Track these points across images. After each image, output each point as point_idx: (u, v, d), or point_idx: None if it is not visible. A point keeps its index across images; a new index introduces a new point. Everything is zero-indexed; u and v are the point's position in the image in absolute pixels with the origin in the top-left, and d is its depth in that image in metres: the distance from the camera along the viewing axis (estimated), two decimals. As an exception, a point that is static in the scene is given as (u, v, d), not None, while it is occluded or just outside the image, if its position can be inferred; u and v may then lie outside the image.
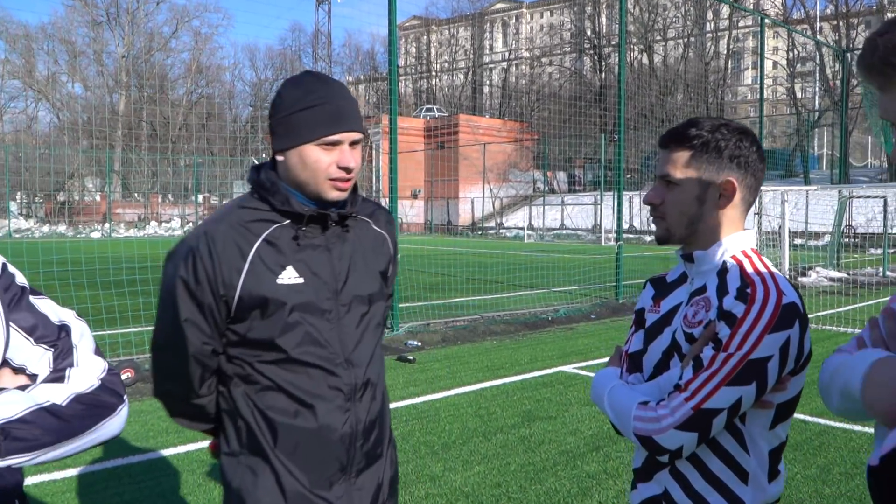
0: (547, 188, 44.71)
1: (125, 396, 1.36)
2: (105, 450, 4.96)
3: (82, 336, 1.37)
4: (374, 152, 42.53)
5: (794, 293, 1.58)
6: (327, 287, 1.77)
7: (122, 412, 1.34)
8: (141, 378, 6.93)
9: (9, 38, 51.77)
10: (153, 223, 38.17)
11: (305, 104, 1.70)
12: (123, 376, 6.77)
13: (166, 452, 5.04)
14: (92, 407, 1.28)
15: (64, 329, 1.35)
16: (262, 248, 1.73)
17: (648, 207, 1.75)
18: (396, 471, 2.02)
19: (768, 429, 1.60)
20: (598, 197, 33.52)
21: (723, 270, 1.66)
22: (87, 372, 1.31)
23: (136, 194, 42.55)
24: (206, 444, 5.09)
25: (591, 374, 7.25)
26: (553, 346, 8.53)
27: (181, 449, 5.10)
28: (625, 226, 12.30)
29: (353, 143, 1.74)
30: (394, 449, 2.00)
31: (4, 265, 1.34)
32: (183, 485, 4.54)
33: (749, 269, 1.63)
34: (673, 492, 1.65)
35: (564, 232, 37.50)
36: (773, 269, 1.65)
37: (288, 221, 1.76)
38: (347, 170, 1.73)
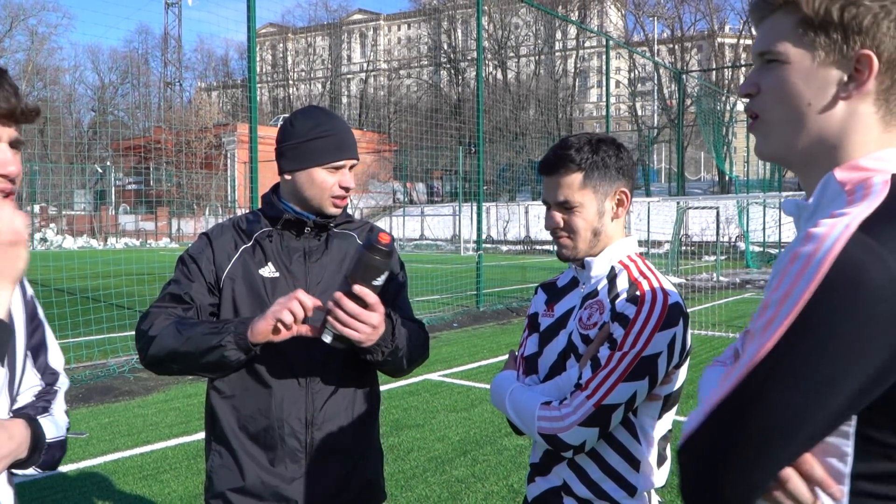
0: (406, 199, 45.06)
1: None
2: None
3: (62, 387, 1.61)
4: (228, 161, 41.22)
5: (676, 294, 1.73)
6: (298, 284, 1.98)
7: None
8: None
9: None
10: (-19, 236, 34.99)
11: (317, 134, 2.01)
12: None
13: (64, 469, 4.69)
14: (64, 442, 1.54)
15: (55, 375, 1.59)
16: (251, 247, 2.04)
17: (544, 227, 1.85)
18: (373, 481, 2.13)
19: (656, 419, 1.74)
20: (457, 208, 34.18)
21: (612, 275, 1.78)
22: (58, 420, 1.53)
23: (-40, 204, 38.88)
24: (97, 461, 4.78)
25: (456, 382, 7.42)
26: (418, 355, 8.59)
27: (81, 465, 4.76)
28: (483, 236, 12.63)
29: (351, 168, 2.06)
30: (375, 456, 2.15)
31: (24, 289, 1.54)
32: (82, 501, 4.24)
33: (636, 273, 1.77)
34: (571, 483, 1.76)
35: (424, 242, 37.93)
36: (657, 273, 1.79)
37: (273, 228, 2.05)
38: (347, 189, 2.04)
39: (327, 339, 1.77)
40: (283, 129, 2.06)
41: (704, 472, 0.89)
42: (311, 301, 1.76)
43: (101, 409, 6.43)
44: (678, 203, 20.14)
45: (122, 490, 4.54)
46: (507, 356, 1.98)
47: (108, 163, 41.41)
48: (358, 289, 1.71)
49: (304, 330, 1.79)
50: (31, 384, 1.50)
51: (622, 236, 1.84)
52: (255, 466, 1.96)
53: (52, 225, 36.34)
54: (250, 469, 1.96)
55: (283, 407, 1.96)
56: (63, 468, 4.90)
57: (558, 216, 1.80)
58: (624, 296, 1.71)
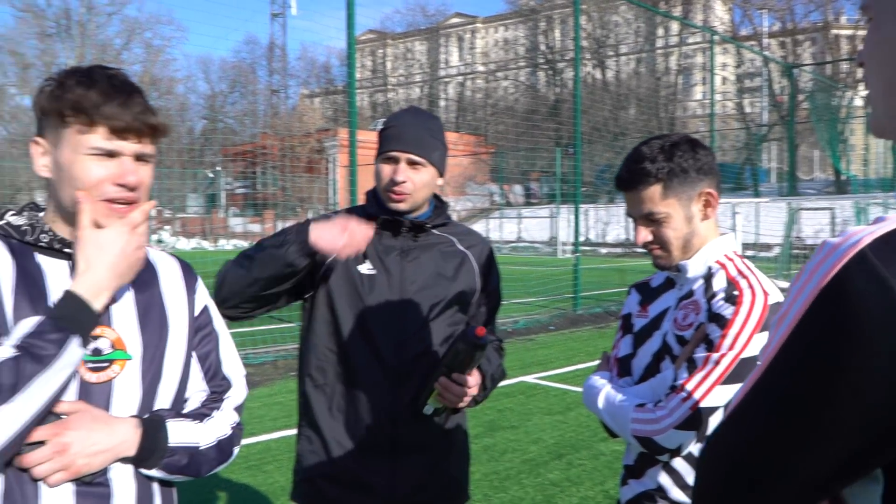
0: (503, 201, 45.01)
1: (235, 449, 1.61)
2: None
3: (232, 396, 1.62)
4: (329, 165, 42.36)
5: (777, 292, 1.65)
6: (394, 281, 2.03)
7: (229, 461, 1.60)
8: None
9: (-48, 49, 50.39)
10: (104, 237, 37.31)
11: (384, 128, 2.07)
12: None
13: None
14: (220, 450, 1.55)
15: (226, 384, 1.61)
16: None
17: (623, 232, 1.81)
18: (457, 479, 2.17)
19: None
20: (555, 210, 33.85)
21: (708, 274, 1.73)
22: (213, 429, 1.54)
23: (86, 208, 41.53)
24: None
25: (552, 385, 7.35)
26: (514, 357, 8.58)
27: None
28: (581, 238, 12.45)
29: (411, 164, 2.02)
30: (460, 455, 2.18)
31: (206, 307, 1.61)
32: (191, 488, 4.48)
33: (733, 272, 1.70)
34: (667, 487, 1.72)
35: (521, 244, 37.77)
36: (756, 271, 1.72)
37: (376, 225, 2.06)
38: (394, 182, 2.01)
39: (429, 412, 1.96)
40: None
41: (697, 494, 0.84)
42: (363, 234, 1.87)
43: (209, 403, 6.73)
44: (789, 204, 19.25)
45: (228, 479, 4.74)
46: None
47: (218, 168, 43.32)
48: (458, 377, 1.89)
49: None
50: (197, 389, 1.56)
51: (716, 235, 1.78)
52: (343, 455, 2.02)
53: (167, 227, 38.39)
54: (337, 457, 2.02)
55: (371, 400, 2.00)
56: (174, 457, 5.16)
57: (646, 230, 1.75)
58: (721, 295, 1.65)
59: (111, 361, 1.38)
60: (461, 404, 1.94)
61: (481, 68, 75.25)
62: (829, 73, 42.56)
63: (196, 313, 1.57)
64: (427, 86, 73.18)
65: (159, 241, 35.63)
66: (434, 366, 1.93)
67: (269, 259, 1.88)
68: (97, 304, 1.33)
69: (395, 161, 2.02)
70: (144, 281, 1.49)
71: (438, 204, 2.19)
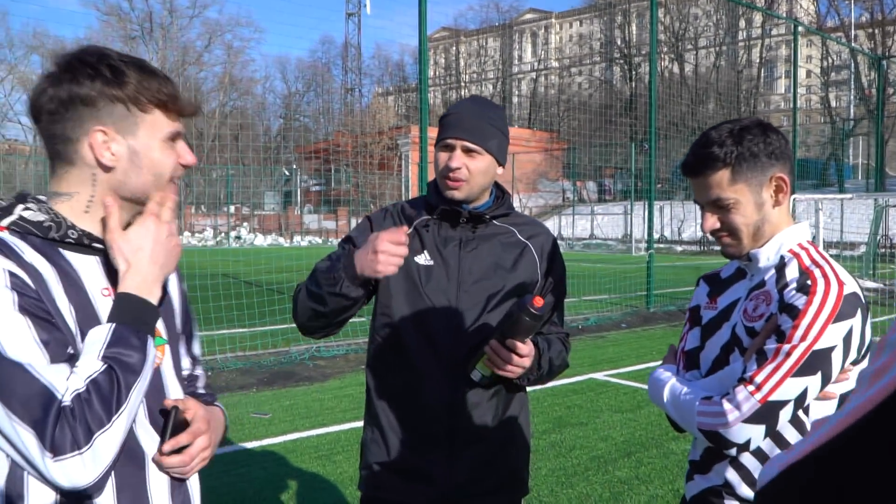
0: (576, 198, 44.55)
1: None
2: None
3: (201, 374, 1.69)
4: (402, 162, 42.75)
5: (853, 283, 1.58)
6: (452, 272, 2.04)
7: None
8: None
9: (44, 53, 52.97)
10: (186, 233, 38.74)
11: (444, 116, 2.06)
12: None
13: (248, 445, 5.34)
14: None
15: (198, 363, 1.69)
16: (409, 234, 2.03)
17: (701, 228, 1.75)
18: (516, 472, 2.16)
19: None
20: (629, 206, 33.30)
21: (781, 264, 1.66)
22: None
23: (169, 205, 43.06)
24: (278, 440, 5.21)
25: (622, 382, 7.26)
26: (584, 354, 8.51)
27: (264, 442, 5.38)
28: (655, 235, 12.22)
29: (467, 151, 2.00)
30: (519, 448, 2.16)
31: (181, 280, 1.62)
32: (263, 475, 4.69)
33: (807, 262, 1.64)
34: (734, 483, 1.68)
35: (594, 241, 37.29)
36: (831, 260, 1.64)
37: (430, 217, 2.09)
38: (449, 169, 2.00)
39: (476, 377, 1.94)
40: None
41: None
42: (402, 237, 1.83)
43: (283, 393, 6.91)
44: (876, 200, 18.41)
45: (298, 467, 4.86)
46: None
47: (294, 166, 44.27)
48: (511, 343, 1.85)
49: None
50: (184, 367, 1.58)
51: (789, 223, 1.71)
52: (400, 446, 2.05)
53: (245, 224, 39.48)
54: (395, 448, 2.05)
55: (427, 391, 2.02)
56: (247, 444, 5.33)
57: (713, 217, 1.69)
58: (794, 285, 1.57)
59: (155, 349, 1.39)
60: (509, 373, 1.89)
61: (555, 64, 74.60)
62: (922, 63, 40.41)
63: (183, 292, 1.61)
64: (500, 82, 72.97)
65: (238, 238, 36.68)
66: (487, 335, 1.92)
67: (329, 298, 1.90)
68: (153, 300, 1.34)
69: (451, 148, 2.01)
70: None
71: (499, 194, 2.17)
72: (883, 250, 20.62)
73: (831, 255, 1.69)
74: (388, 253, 1.80)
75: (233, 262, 18.38)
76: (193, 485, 1.48)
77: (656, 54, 13.55)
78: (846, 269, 1.63)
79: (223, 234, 37.41)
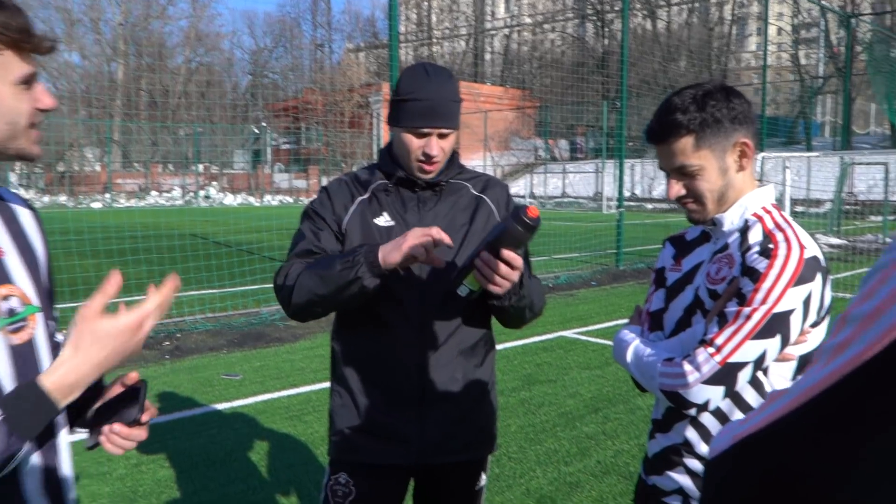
0: (549, 156, 44.54)
1: None
2: (162, 405, 5.19)
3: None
4: (374, 120, 42.33)
5: (815, 246, 1.60)
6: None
7: None
8: (146, 344, 7.02)
9: (4, 6, 50.98)
10: (154, 193, 38.13)
11: (410, 97, 2.01)
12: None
13: (219, 407, 5.34)
14: None
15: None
16: (367, 198, 2.09)
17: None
18: (486, 429, 2.18)
19: (790, 381, 1.65)
20: (600, 165, 33.39)
21: (745, 228, 1.68)
22: None
23: (136, 164, 42.40)
24: (248, 401, 5.21)
25: (591, 339, 7.35)
26: (553, 312, 8.60)
27: (234, 403, 5.38)
28: (626, 193, 12.23)
29: (441, 136, 2.03)
30: (488, 405, 2.18)
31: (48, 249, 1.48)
32: (234, 436, 4.74)
33: (770, 225, 1.65)
34: (694, 442, 1.72)
35: (566, 200, 37.43)
36: (794, 224, 1.66)
37: (389, 182, 2.10)
38: (429, 157, 2.02)
39: (463, 292, 1.86)
40: (396, 83, 2.09)
41: None
42: (446, 239, 1.83)
43: (253, 354, 6.91)
44: (842, 158, 18.66)
45: (270, 428, 4.88)
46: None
47: (264, 124, 43.63)
48: (506, 254, 1.79)
49: (440, 263, 1.88)
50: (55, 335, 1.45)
51: (753, 187, 1.72)
52: (372, 408, 2.06)
53: (213, 183, 38.99)
54: (367, 410, 2.07)
55: (398, 351, 2.04)
56: (218, 406, 5.34)
57: (679, 184, 1.69)
58: (756, 249, 1.59)
59: (26, 318, 1.27)
60: (497, 287, 1.83)
61: (528, 20, 73.83)
62: (888, 23, 40.70)
63: (47, 251, 1.46)
64: (472, 39, 72.14)
65: (207, 197, 36.24)
66: (473, 252, 1.88)
67: (344, 286, 1.88)
68: (63, 404, 1.18)
69: (427, 135, 2.01)
70: (17, 228, 1.36)
71: (450, 156, 2.18)
72: (848, 207, 20.99)
73: (798, 212, 1.71)
74: (412, 240, 1.81)
75: (202, 222, 18.18)
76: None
77: (629, 10, 13.45)
78: (812, 226, 1.65)
79: (192, 194, 36.91)
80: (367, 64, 65.77)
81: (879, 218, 19.54)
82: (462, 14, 74.67)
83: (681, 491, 1.75)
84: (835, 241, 16.28)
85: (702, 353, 1.55)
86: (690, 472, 1.73)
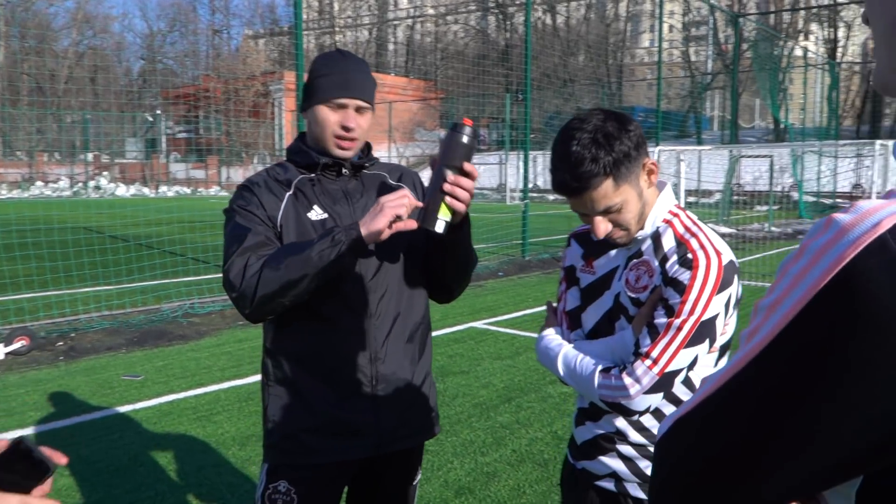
0: (452, 147, 44.75)
1: None
2: (58, 410, 4.93)
3: None
4: (276, 110, 41.42)
5: (727, 250, 1.69)
6: (344, 223, 2.01)
7: None
8: (37, 346, 6.62)
9: None
10: (39, 183, 35.99)
11: (324, 73, 2.04)
12: (17, 344, 6.46)
13: (120, 409, 5.09)
14: None
15: None
16: (293, 193, 2.05)
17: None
18: (434, 411, 2.21)
19: (713, 367, 1.76)
20: (503, 157, 33.82)
21: (656, 234, 1.74)
22: None
23: (18, 153, 39.91)
24: (152, 402, 4.98)
25: (501, 330, 7.46)
26: (463, 304, 8.67)
27: (137, 406, 5.14)
28: (529, 185, 12.45)
29: (358, 110, 2.04)
30: (432, 388, 2.22)
31: None
32: (139, 440, 4.53)
33: (681, 230, 1.73)
34: (626, 432, 1.80)
35: (470, 191, 37.80)
36: (703, 226, 1.74)
37: (312, 175, 2.08)
38: (347, 129, 2.01)
39: (441, 227, 1.88)
40: (310, 69, 2.11)
41: (660, 484, 0.76)
42: (414, 200, 1.89)
43: (155, 353, 6.64)
44: (731, 151, 19.63)
45: (176, 431, 4.71)
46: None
47: (159, 111, 41.93)
48: (468, 167, 1.86)
49: (413, 224, 1.89)
50: None
51: (657, 194, 1.78)
52: (325, 404, 2.01)
53: (105, 173, 37.17)
54: (320, 407, 2.01)
55: (348, 344, 2.02)
56: (119, 409, 5.10)
57: (605, 223, 1.69)
58: (674, 258, 1.67)
59: None
60: (465, 205, 1.88)
61: (431, 11, 73.89)
62: (772, 23, 43.07)
63: None
64: (375, 28, 71.60)
65: (97, 188, 34.53)
66: (430, 186, 1.89)
67: (327, 267, 1.85)
68: None
69: (345, 107, 2.02)
70: None
71: (364, 145, 2.20)
72: (736, 198, 22.11)
73: (691, 203, 1.78)
74: (393, 200, 1.83)
75: (95, 215, 17.32)
76: None
77: (531, 5, 13.65)
78: (704, 216, 1.73)
79: (81, 184, 35.08)
80: (268, 51, 64.27)
81: (765, 207, 20.71)
82: (365, 3, 73.97)
83: (614, 474, 1.82)
84: (725, 229, 17.13)
85: (640, 367, 1.63)
86: (623, 457, 1.80)
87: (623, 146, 1.63)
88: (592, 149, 1.61)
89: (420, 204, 1.89)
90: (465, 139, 1.85)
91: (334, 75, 2.03)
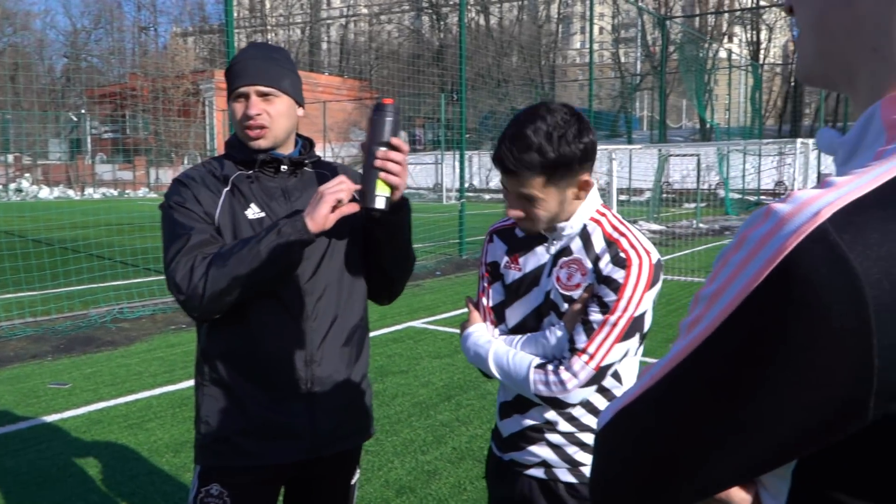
0: (388, 147, 44.62)
1: None
2: None
3: None
4: (206, 108, 40.52)
5: (652, 247, 1.77)
6: None
7: None
8: (-44, 355, 6.32)
9: None
10: (-45, 186, 34.37)
11: (228, 68, 2.02)
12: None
13: (47, 419, 4.90)
14: None
15: None
16: (230, 190, 2.01)
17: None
18: (369, 412, 2.21)
19: (633, 355, 1.82)
20: (439, 156, 33.91)
21: (585, 233, 1.79)
22: None
23: (-68, 154, 38.02)
24: (80, 411, 4.80)
25: (440, 329, 7.48)
26: (401, 303, 8.64)
27: (65, 415, 4.97)
28: (465, 184, 12.50)
29: (263, 96, 1.98)
30: (368, 389, 2.20)
31: None
32: (67, 450, 4.37)
33: (609, 229, 1.79)
34: (554, 421, 1.84)
35: (407, 192, 37.57)
36: (629, 226, 1.80)
37: (250, 172, 2.04)
38: (248, 117, 1.97)
39: (381, 203, 1.91)
40: None
41: (602, 474, 0.77)
42: (353, 185, 1.92)
43: (83, 360, 6.42)
44: (660, 151, 20.12)
45: (107, 439, 4.56)
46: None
47: (83, 111, 40.52)
48: (395, 141, 1.90)
49: (355, 207, 1.91)
50: None
51: (579, 206, 1.80)
52: (259, 407, 1.98)
53: (27, 175, 35.72)
54: (254, 410, 1.98)
55: (284, 347, 1.98)
56: (46, 418, 4.92)
57: (519, 210, 1.75)
58: (606, 257, 1.73)
59: None
60: (401, 180, 1.91)
61: (364, 11, 73.48)
62: (697, 25, 44.37)
63: None
64: (308, 27, 70.79)
65: (18, 190, 33.18)
66: (364, 167, 1.92)
67: (275, 259, 1.83)
68: None
69: (246, 96, 1.99)
70: None
71: (306, 143, 2.17)
72: (665, 195, 22.69)
73: (622, 201, 1.84)
74: (332, 187, 1.85)
75: (16, 218, 16.65)
76: None
77: (465, 5, 13.72)
78: (635, 213, 1.80)
79: (1, 187, 33.63)
80: (198, 50, 62.84)
81: (693, 205, 21.31)
82: (297, 1, 73.07)
83: (543, 462, 1.86)
84: (655, 227, 17.57)
85: (577, 362, 1.69)
86: (552, 445, 1.84)
87: (570, 152, 1.66)
88: (543, 141, 1.65)
89: (358, 187, 1.90)
90: (388, 116, 1.91)
91: (235, 66, 2.01)
